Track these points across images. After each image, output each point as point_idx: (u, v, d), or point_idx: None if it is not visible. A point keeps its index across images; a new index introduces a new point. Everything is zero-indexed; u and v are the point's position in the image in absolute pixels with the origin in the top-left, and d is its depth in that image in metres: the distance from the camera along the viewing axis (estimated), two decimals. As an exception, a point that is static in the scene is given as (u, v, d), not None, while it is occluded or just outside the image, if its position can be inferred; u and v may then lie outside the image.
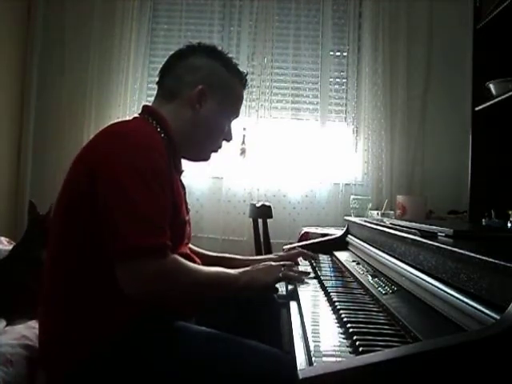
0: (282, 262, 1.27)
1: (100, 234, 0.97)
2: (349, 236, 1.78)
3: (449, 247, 0.82)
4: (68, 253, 1.03)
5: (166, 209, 1.01)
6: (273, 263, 1.25)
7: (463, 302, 0.71)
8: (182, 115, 1.18)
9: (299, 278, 1.24)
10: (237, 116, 1.30)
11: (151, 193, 0.97)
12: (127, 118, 1.21)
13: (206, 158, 1.30)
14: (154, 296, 0.98)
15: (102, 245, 0.97)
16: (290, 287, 1.25)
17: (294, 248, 1.45)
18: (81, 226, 1.01)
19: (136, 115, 1.20)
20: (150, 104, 1.23)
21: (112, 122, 1.17)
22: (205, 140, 1.24)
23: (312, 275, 1.33)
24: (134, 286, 0.94)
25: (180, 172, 1.24)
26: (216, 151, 1.30)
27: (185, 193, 1.26)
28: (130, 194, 0.95)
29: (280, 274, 1.19)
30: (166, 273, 0.96)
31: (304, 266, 1.47)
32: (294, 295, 1.15)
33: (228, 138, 1.29)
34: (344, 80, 3.11)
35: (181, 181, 1.24)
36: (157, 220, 0.97)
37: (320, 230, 2.44)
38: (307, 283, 1.24)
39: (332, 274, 1.33)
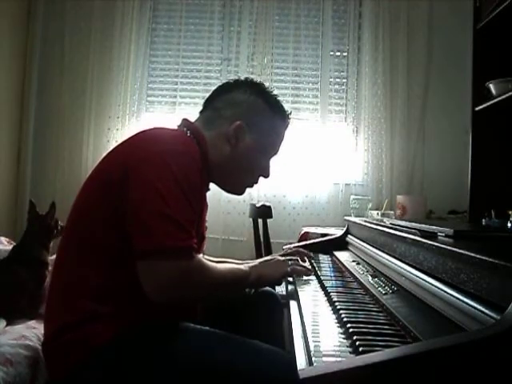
0: (288, 257, 1.30)
1: (120, 234, 0.98)
2: (349, 236, 1.78)
3: (449, 247, 0.82)
4: (77, 252, 1.04)
5: (194, 215, 1.01)
6: (280, 258, 1.29)
7: (463, 302, 0.72)
8: (217, 146, 1.16)
9: (307, 272, 1.28)
10: (276, 153, 1.27)
11: (183, 197, 0.97)
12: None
13: (239, 193, 1.29)
14: (177, 297, 0.98)
15: (119, 244, 0.98)
16: (290, 287, 1.25)
17: (290, 248, 1.45)
18: (99, 225, 1.01)
19: (175, 127, 1.19)
20: (190, 120, 1.21)
21: (151, 127, 1.14)
22: (239, 175, 1.22)
23: (312, 275, 1.34)
24: (159, 287, 0.93)
25: (207, 190, 1.23)
26: (251, 186, 1.28)
27: (207, 210, 1.26)
28: (163, 196, 0.95)
29: (288, 269, 1.23)
30: (191, 274, 0.97)
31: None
32: (294, 295, 1.15)
33: (265, 175, 1.26)
34: (344, 80, 3.11)
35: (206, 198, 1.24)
36: (186, 223, 0.96)
37: (320, 230, 2.43)
38: (308, 283, 1.25)
39: (332, 274, 1.33)
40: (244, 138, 1.17)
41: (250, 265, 1.20)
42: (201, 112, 1.24)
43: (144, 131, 1.11)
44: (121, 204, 0.98)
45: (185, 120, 1.20)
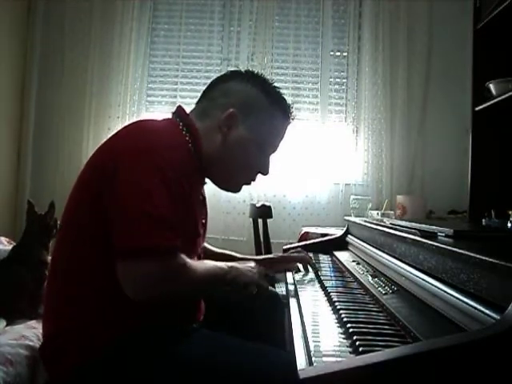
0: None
1: (108, 231, 0.95)
2: (349, 236, 1.78)
3: (449, 247, 0.82)
4: (74, 252, 1.02)
5: (179, 212, 0.97)
6: (252, 266, 1.19)
7: (463, 302, 0.72)
8: (210, 136, 1.12)
9: (265, 291, 1.19)
10: (275, 150, 1.22)
11: (167, 193, 0.95)
12: (158, 118, 1.15)
13: (235, 190, 1.24)
14: (157, 295, 0.96)
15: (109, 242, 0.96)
16: (290, 287, 1.25)
17: (298, 251, 1.40)
18: (98, 223, 0.99)
19: (168, 117, 1.16)
20: (184, 107, 1.18)
21: (142, 119, 1.13)
22: (233, 169, 1.17)
23: (312, 275, 1.33)
24: (140, 288, 0.92)
25: (201, 184, 1.19)
26: (248, 184, 1.23)
27: (205, 206, 1.23)
28: (146, 192, 0.93)
29: (256, 276, 1.15)
30: (174, 273, 0.95)
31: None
32: (294, 295, 1.15)
33: (263, 172, 1.21)
34: (344, 80, 3.11)
35: (202, 194, 1.21)
36: (169, 221, 0.94)
37: (320, 230, 2.43)
38: (308, 283, 1.24)
39: (332, 274, 1.33)
40: (237, 127, 1.13)
41: (230, 264, 1.13)
42: (197, 102, 1.22)
43: (133, 123, 1.09)
44: (105, 206, 0.96)
45: (179, 108, 1.17)
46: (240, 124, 1.13)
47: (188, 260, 0.99)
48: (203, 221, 1.21)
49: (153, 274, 0.91)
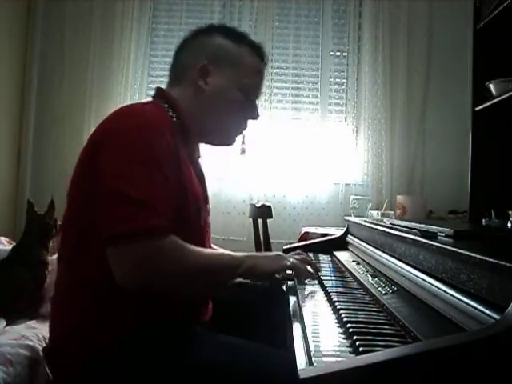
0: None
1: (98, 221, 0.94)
2: (349, 236, 1.78)
3: (449, 247, 0.82)
4: (76, 251, 1.02)
5: (164, 191, 0.95)
6: (281, 253, 1.20)
7: (463, 302, 0.72)
8: (189, 96, 1.14)
9: (308, 275, 1.19)
10: (257, 93, 1.22)
11: (146, 172, 0.93)
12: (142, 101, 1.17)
13: (229, 143, 1.23)
14: (149, 281, 0.92)
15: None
16: (290, 286, 1.25)
17: (298, 252, 1.38)
18: (85, 214, 0.98)
19: (150, 99, 1.17)
20: (163, 87, 1.19)
21: (122, 106, 1.14)
22: (220, 119, 1.17)
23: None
24: (127, 272, 0.90)
25: (195, 158, 1.18)
26: (241, 133, 1.23)
27: (203, 180, 1.21)
28: (123, 175, 0.92)
29: (288, 263, 1.12)
30: (160, 255, 0.91)
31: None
32: (293, 295, 1.15)
33: (253, 116, 1.21)
34: (344, 80, 3.11)
35: (199, 168, 1.20)
36: (152, 200, 0.91)
37: (320, 230, 2.43)
38: (308, 283, 1.24)
39: (332, 274, 1.32)
40: (213, 78, 1.13)
41: (247, 254, 1.10)
42: (169, 74, 1.22)
43: (116, 110, 1.09)
44: (92, 194, 0.95)
45: (157, 88, 1.18)
46: (215, 74, 1.14)
47: (183, 243, 0.95)
48: (206, 195, 1.20)
49: (137, 257, 0.88)
